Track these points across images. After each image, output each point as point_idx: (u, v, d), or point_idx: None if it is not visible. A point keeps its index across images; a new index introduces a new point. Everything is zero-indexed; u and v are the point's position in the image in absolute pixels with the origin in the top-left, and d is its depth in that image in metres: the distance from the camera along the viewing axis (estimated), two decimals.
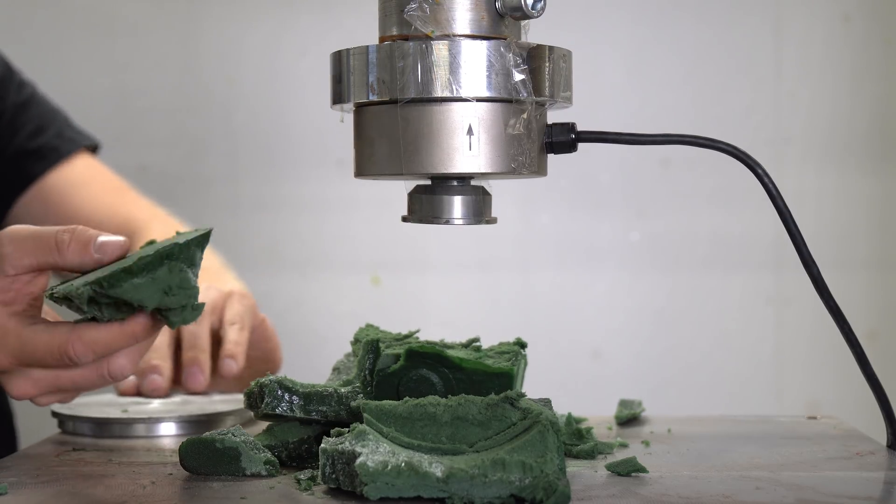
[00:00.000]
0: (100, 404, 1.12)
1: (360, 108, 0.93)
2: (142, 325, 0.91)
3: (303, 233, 2.00)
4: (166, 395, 1.17)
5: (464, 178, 0.93)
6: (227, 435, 0.88)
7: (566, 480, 0.77)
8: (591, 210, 2.00)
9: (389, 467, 0.76)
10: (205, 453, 0.87)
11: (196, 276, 0.89)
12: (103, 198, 1.57)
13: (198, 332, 1.22)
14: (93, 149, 1.59)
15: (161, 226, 1.48)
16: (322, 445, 0.81)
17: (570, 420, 0.96)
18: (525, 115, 0.90)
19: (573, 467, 0.89)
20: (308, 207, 2.00)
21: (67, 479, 0.86)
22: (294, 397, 0.93)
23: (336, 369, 1.04)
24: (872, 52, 1.98)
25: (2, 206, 1.53)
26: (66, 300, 0.91)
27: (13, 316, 0.93)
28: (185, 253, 0.89)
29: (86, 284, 0.88)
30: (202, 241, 0.91)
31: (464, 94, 0.88)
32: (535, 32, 0.93)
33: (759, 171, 0.93)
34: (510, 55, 0.89)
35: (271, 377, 0.94)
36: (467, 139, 0.89)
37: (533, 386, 1.05)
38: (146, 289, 0.88)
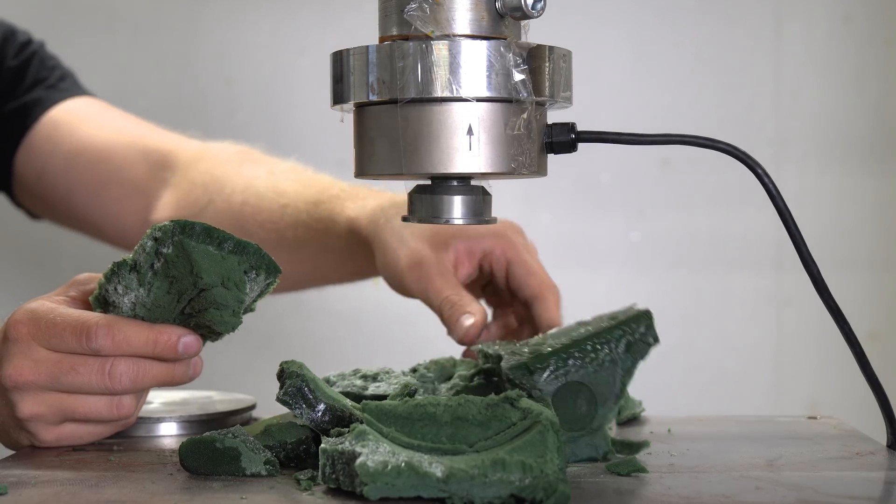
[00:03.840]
0: None
1: (360, 108, 0.93)
2: (168, 336, 0.92)
3: None
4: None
5: (464, 178, 0.93)
6: (227, 435, 0.88)
7: (566, 480, 0.77)
8: (591, 210, 2.00)
9: (389, 467, 0.76)
10: (205, 453, 0.87)
11: (243, 300, 0.91)
12: (117, 124, 1.49)
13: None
14: None
15: (226, 155, 1.42)
16: (322, 445, 0.81)
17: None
18: (525, 115, 0.90)
19: (573, 467, 0.89)
20: None
21: (67, 479, 0.86)
22: (310, 411, 0.92)
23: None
24: (872, 52, 1.98)
25: (8, 152, 1.47)
26: (109, 304, 0.94)
27: (63, 303, 0.95)
28: (254, 261, 0.91)
29: (161, 228, 0.90)
30: (271, 271, 0.93)
31: (464, 94, 0.88)
32: (535, 32, 0.93)
33: (759, 171, 0.93)
34: (510, 55, 0.89)
35: (296, 380, 0.92)
36: (467, 139, 0.89)
37: None
38: (213, 261, 0.89)
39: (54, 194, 1.47)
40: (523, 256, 1.16)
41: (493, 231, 1.16)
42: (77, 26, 1.98)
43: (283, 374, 0.92)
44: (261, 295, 0.94)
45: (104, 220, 1.46)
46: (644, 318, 0.92)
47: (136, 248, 0.92)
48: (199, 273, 0.89)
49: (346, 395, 1.00)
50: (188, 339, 0.93)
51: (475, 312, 1.10)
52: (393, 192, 1.24)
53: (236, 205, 1.36)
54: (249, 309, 0.94)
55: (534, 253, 1.19)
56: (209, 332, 0.94)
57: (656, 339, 0.92)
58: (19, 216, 1.59)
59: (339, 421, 0.90)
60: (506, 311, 1.20)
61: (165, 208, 1.41)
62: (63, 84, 1.49)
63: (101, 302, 0.95)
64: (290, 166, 1.41)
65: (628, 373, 0.91)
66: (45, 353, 0.93)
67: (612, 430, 1.05)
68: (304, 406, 0.91)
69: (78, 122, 1.46)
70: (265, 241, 1.27)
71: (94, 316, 0.93)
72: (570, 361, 0.90)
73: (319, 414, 0.90)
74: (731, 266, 2.00)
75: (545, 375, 0.90)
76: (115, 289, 0.93)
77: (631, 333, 0.91)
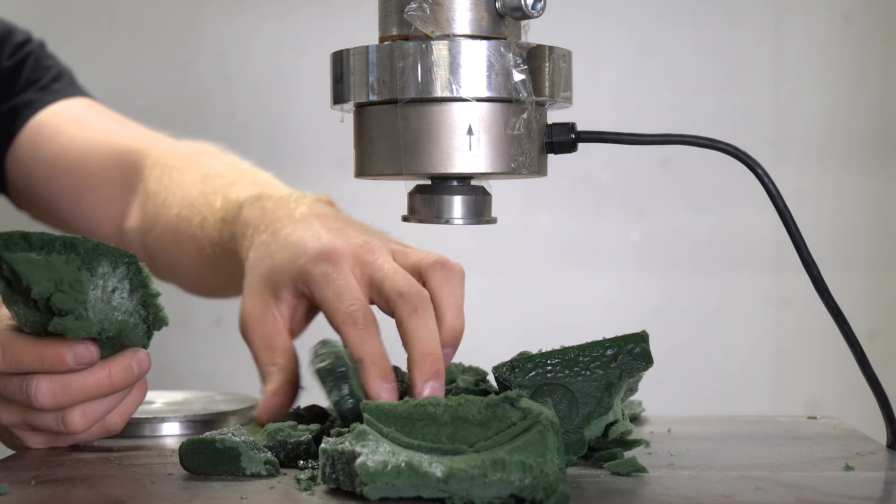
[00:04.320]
0: None
1: (360, 108, 0.93)
2: (54, 350, 0.87)
3: None
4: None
5: (464, 178, 0.93)
6: (227, 435, 0.88)
7: (566, 480, 0.77)
8: (592, 210, 2.00)
9: (389, 467, 0.76)
10: (205, 453, 0.87)
11: (85, 301, 0.85)
12: (99, 126, 1.42)
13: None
14: None
15: (174, 161, 1.34)
16: (322, 445, 0.81)
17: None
18: (525, 115, 0.90)
19: (573, 467, 0.89)
20: None
21: (67, 479, 0.86)
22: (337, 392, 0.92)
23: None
24: (872, 52, 1.98)
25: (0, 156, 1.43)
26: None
27: None
28: (89, 255, 0.86)
29: None
30: (116, 258, 0.87)
31: (464, 94, 0.88)
32: (535, 32, 0.93)
33: (759, 171, 0.93)
34: (510, 55, 0.89)
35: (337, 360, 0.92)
36: (467, 139, 0.89)
37: None
38: (39, 268, 0.84)
39: (42, 200, 1.44)
40: (322, 293, 1.00)
41: (301, 269, 1.02)
42: (77, 26, 1.98)
43: (323, 348, 0.93)
44: (134, 288, 0.89)
45: (85, 227, 1.40)
46: (638, 338, 0.91)
47: None
48: (29, 284, 0.84)
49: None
50: (78, 348, 0.88)
51: (274, 391, 1.01)
52: (288, 194, 1.12)
53: (173, 218, 1.28)
54: (147, 305, 0.89)
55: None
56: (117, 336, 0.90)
57: (649, 361, 0.91)
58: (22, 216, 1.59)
59: (355, 413, 0.91)
60: None
61: (133, 217, 1.36)
62: (56, 85, 1.45)
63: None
64: (224, 167, 1.31)
65: (615, 386, 0.90)
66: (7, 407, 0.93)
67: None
68: (333, 384, 0.91)
69: (62, 125, 1.42)
70: (193, 255, 1.24)
71: None
72: (553, 363, 0.90)
73: (346, 395, 0.92)
74: (731, 266, 2.00)
75: (527, 374, 0.90)
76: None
77: (621, 348, 0.91)
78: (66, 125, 1.42)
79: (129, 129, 1.43)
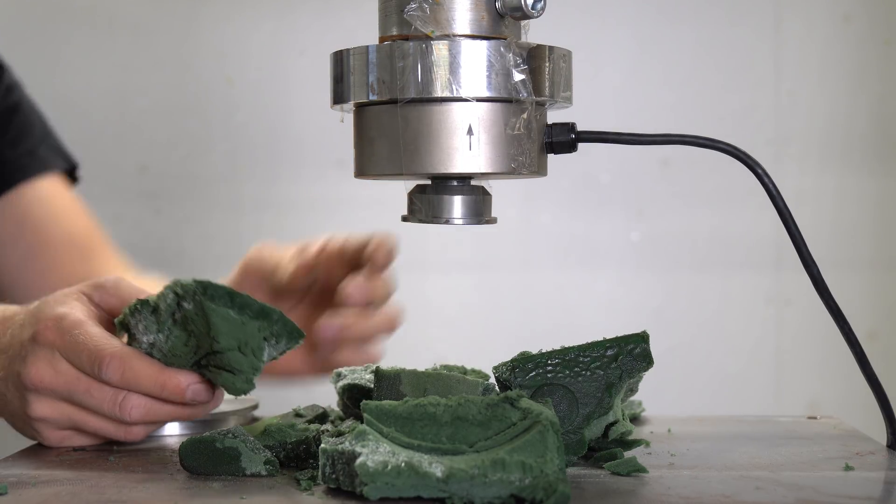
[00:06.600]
0: None
1: (360, 108, 0.93)
2: (177, 382, 0.92)
3: (303, 233, 1.99)
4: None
5: (464, 178, 0.93)
6: (227, 435, 0.88)
7: (566, 480, 0.77)
8: (592, 210, 2.00)
9: (389, 467, 0.76)
10: (205, 453, 0.87)
11: (259, 367, 0.91)
12: (63, 251, 1.48)
13: None
14: (70, 171, 1.53)
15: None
16: (322, 445, 0.81)
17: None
18: (525, 115, 0.90)
19: (573, 467, 0.89)
20: (308, 207, 2.00)
21: (67, 479, 0.86)
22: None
23: None
24: (872, 52, 1.98)
25: None
26: (131, 334, 0.94)
27: (91, 316, 0.96)
28: (276, 328, 0.90)
29: (182, 285, 0.90)
30: (291, 335, 0.91)
31: (464, 94, 0.88)
32: (535, 32, 0.93)
33: (759, 171, 0.93)
34: (510, 55, 0.89)
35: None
36: (467, 139, 0.89)
37: None
38: (232, 326, 0.89)
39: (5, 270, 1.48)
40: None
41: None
42: (77, 26, 1.98)
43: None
44: (275, 357, 0.94)
45: None
46: (638, 338, 0.91)
47: (158, 293, 0.93)
48: (215, 336, 0.89)
49: (354, 387, 1.00)
50: (197, 386, 0.93)
51: None
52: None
53: None
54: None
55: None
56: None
57: (649, 361, 0.91)
58: None
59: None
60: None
61: None
62: (27, 160, 1.48)
63: (125, 327, 0.95)
64: None
65: (615, 386, 0.90)
66: (66, 366, 0.94)
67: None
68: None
69: (33, 208, 1.47)
70: None
71: (111, 346, 0.93)
72: (553, 363, 0.90)
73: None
74: (731, 266, 2.00)
75: (527, 375, 0.90)
76: (137, 325, 0.94)
77: (621, 348, 0.91)
78: (39, 208, 1.47)
79: (93, 251, 1.49)
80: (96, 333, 0.94)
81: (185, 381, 0.93)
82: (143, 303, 0.93)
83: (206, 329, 0.90)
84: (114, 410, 0.94)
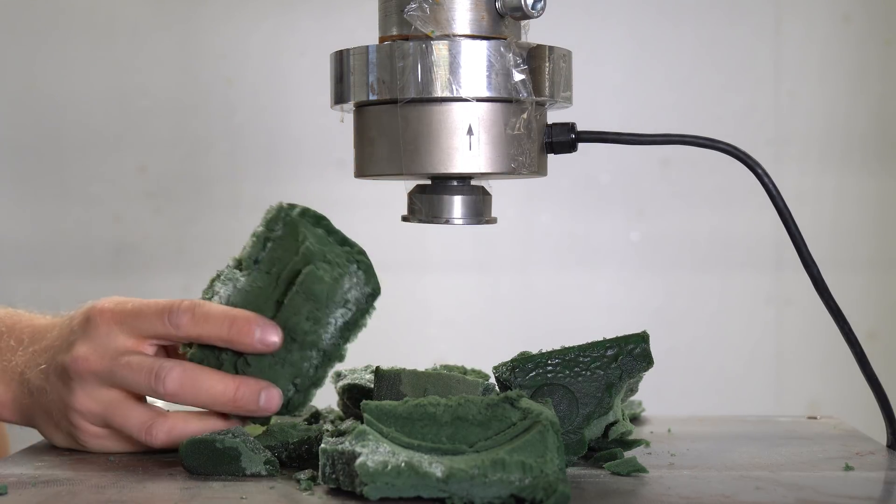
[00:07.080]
0: None
1: (360, 108, 0.93)
2: (247, 319, 0.90)
3: None
4: None
5: (464, 178, 0.93)
6: (227, 435, 0.88)
7: (566, 480, 0.77)
8: (591, 210, 2.00)
9: (389, 467, 0.76)
10: (205, 453, 0.87)
11: (335, 293, 0.91)
12: None
13: None
14: None
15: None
16: (322, 445, 0.81)
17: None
18: (525, 115, 0.90)
19: (573, 467, 0.89)
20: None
21: (67, 479, 0.86)
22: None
23: None
24: (872, 52, 1.98)
25: None
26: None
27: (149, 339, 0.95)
28: (361, 260, 0.93)
29: (273, 209, 0.93)
30: (367, 286, 0.94)
31: (464, 94, 0.88)
32: (535, 32, 0.93)
33: (759, 171, 0.93)
34: (510, 55, 0.89)
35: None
36: (467, 139, 0.90)
37: None
38: (320, 240, 0.91)
39: None
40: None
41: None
42: (77, 26, 1.98)
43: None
44: (360, 314, 0.93)
45: None
46: (638, 338, 0.91)
47: (244, 245, 0.94)
48: (303, 240, 0.89)
49: (354, 387, 1.00)
50: (272, 392, 0.92)
51: None
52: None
53: None
54: (352, 332, 0.94)
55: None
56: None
57: (649, 361, 0.91)
58: None
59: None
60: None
61: None
62: None
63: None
64: None
65: (615, 386, 0.90)
66: (115, 344, 0.93)
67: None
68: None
69: None
70: None
71: (169, 359, 0.93)
72: (553, 363, 0.90)
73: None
74: (731, 266, 1.99)
75: (527, 374, 0.90)
76: (211, 298, 0.94)
77: (621, 348, 0.91)
78: None
79: None
80: (159, 300, 0.94)
81: (256, 322, 0.91)
82: (220, 272, 0.94)
83: (294, 246, 0.90)
84: (148, 382, 0.92)
